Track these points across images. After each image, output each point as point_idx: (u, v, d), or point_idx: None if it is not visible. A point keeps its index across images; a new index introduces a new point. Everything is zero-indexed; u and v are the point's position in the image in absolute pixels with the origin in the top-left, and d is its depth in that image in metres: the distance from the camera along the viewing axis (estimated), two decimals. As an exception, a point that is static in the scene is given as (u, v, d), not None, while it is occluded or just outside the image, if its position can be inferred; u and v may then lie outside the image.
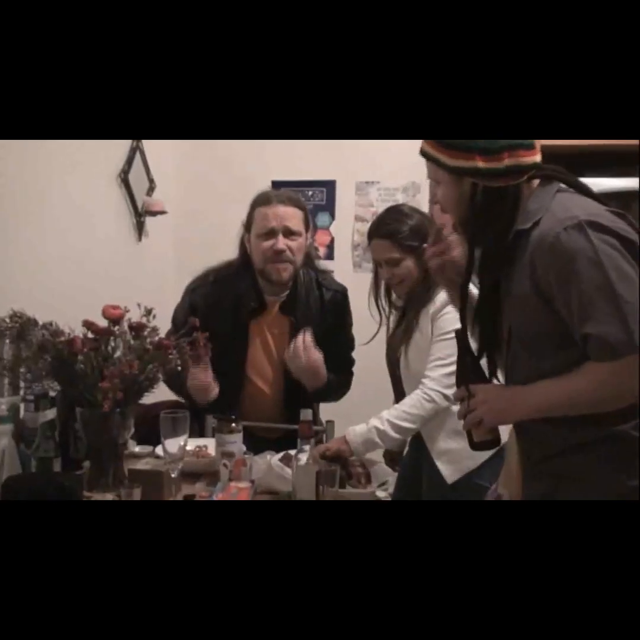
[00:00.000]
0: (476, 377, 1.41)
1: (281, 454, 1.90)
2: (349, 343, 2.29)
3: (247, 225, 2.17)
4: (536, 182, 1.33)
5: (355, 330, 2.30)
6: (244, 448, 1.93)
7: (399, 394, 2.14)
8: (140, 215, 3.34)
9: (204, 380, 2.00)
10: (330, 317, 2.21)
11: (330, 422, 2.23)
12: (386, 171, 3.64)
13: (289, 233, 2.10)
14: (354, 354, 2.32)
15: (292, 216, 2.11)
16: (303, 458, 1.69)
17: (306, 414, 1.89)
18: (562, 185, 1.33)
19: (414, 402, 1.92)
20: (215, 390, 2.04)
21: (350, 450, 1.89)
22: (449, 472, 1.95)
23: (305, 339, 2.03)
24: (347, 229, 3.78)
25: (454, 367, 1.46)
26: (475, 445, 1.42)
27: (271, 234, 2.09)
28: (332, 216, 3.80)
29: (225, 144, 3.60)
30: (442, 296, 1.94)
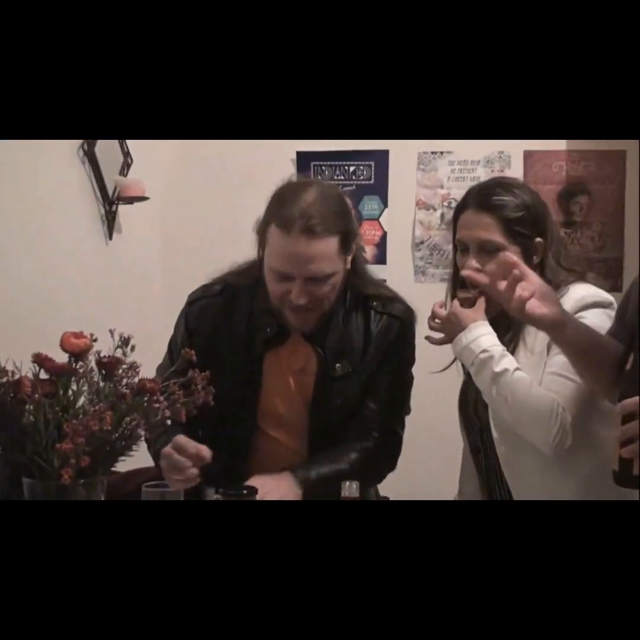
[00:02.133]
0: None
1: None
2: (402, 391, 2.24)
3: (260, 235, 2.10)
4: None
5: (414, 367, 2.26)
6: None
7: (478, 454, 2.13)
8: (111, 203, 3.39)
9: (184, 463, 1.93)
10: (377, 355, 2.17)
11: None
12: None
13: (314, 280, 2.03)
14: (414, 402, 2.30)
15: (320, 256, 1.99)
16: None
17: (350, 488, 1.88)
18: None
19: (541, 390, 1.91)
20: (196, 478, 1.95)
21: (451, 339, 2.00)
22: None
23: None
24: (405, 220, 3.80)
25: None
26: (628, 479, 1.45)
27: (286, 278, 2.03)
28: (384, 202, 3.81)
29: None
30: (573, 295, 1.92)
